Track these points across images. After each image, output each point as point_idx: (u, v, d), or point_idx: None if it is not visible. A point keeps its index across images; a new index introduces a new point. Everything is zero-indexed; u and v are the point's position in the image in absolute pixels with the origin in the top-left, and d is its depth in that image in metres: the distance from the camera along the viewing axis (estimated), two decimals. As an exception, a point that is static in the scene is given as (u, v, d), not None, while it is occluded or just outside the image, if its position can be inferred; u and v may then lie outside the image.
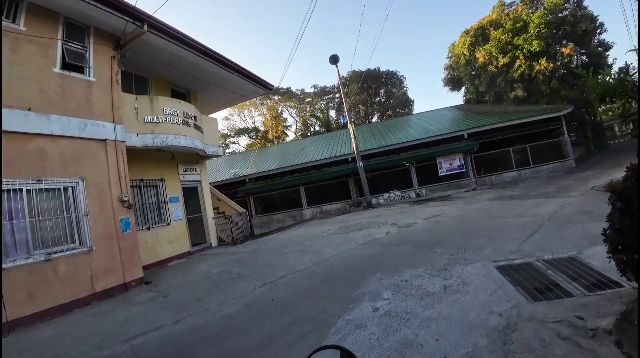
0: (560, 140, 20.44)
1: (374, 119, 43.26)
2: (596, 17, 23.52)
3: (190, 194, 13.17)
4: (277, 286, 6.46)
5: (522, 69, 22.11)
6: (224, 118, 52.48)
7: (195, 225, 13.11)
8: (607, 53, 24.29)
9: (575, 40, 22.00)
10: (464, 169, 18.88)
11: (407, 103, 44.57)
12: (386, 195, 19.34)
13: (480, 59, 25.08)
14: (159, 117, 10.46)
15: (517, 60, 22.48)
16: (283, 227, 17.91)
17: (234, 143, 52.64)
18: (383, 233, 10.00)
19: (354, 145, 18.40)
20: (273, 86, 15.22)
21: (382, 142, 21.83)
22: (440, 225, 10.00)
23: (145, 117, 10.21)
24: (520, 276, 4.87)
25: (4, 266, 6.07)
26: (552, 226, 7.71)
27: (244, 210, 15.78)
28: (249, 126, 50.96)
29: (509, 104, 23.72)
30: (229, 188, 22.25)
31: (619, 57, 26.22)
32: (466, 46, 27.35)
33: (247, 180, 22.37)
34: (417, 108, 56.38)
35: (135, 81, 11.64)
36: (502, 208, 11.33)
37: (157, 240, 11.07)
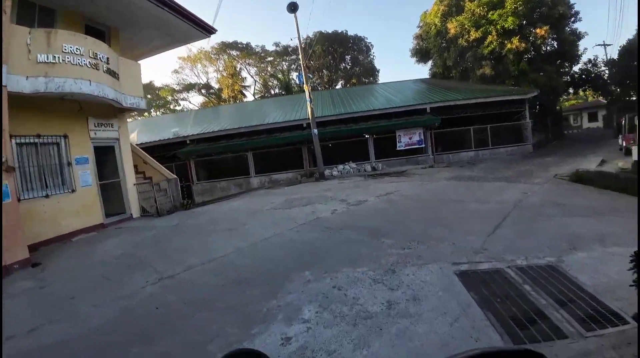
0: (521, 124, 20.04)
1: (338, 87, 41.11)
2: (573, 4, 22.91)
3: (106, 156, 10.78)
4: (175, 284, 4.81)
5: (493, 46, 21.05)
6: (173, 71, 47.60)
7: (112, 192, 10.85)
8: (578, 42, 24.10)
9: (550, 24, 21.17)
10: (423, 145, 17.89)
11: (373, 72, 42.73)
12: (341, 167, 17.97)
13: (452, 31, 23.68)
14: (57, 56, 7.93)
15: (489, 36, 21.35)
16: (225, 196, 16.03)
17: (183, 99, 48.28)
18: (329, 211, 8.59)
19: (309, 109, 16.54)
20: (215, 30, 12.68)
21: (341, 109, 20.14)
22: (393, 205, 8.77)
23: (39, 56, 7.69)
24: (490, 293, 3.61)
25: None
26: (520, 218, 6.69)
27: (174, 176, 13.63)
28: (202, 81, 46.68)
29: (475, 81, 22.87)
30: (168, 149, 19.57)
31: (589, 48, 26.16)
32: (439, 15, 25.74)
33: (188, 141, 19.81)
34: (383, 78, 54.69)
35: (40, 13, 8.94)
36: (462, 190, 10.38)
37: (58, 210, 8.81)
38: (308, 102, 16.46)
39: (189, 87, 46.36)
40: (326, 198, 10.64)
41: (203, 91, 46.88)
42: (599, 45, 27.40)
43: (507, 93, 19.04)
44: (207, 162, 20.18)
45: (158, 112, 45.94)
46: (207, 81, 46.57)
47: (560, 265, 4.27)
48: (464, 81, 24.24)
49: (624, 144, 14.31)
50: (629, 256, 3.03)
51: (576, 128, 36.73)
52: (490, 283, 3.87)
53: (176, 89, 45.93)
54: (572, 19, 22.98)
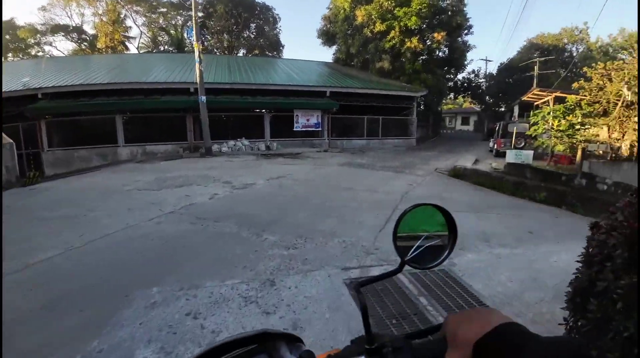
0: (408, 119, 21.53)
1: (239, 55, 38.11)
2: (469, 18, 25.29)
3: None
4: None
5: (394, 42, 21.89)
6: (40, 8, 37.13)
7: None
8: (466, 53, 26.97)
9: (447, 31, 23.03)
10: (320, 129, 17.61)
11: (277, 47, 40.85)
12: (232, 143, 16.33)
13: (359, 19, 23.80)
14: None
15: (393, 31, 22.11)
16: (83, 170, 12.82)
17: (47, 44, 38.30)
18: (208, 195, 7.22)
19: (197, 71, 14.30)
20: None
21: (237, 79, 18.24)
22: (283, 190, 7.92)
23: None
24: (385, 312, 3.01)
25: None
26: None
27: (10, 141, 10.16)
28: (75, 24, 37.64)
29: (374, 73, 23.65)
30: (14, 104, 14.48)
31: (474, 60, 29.57)
32: (348, 0, 25.62)
33: (40, 96, 15.18)
34: (287, 55, 53.27)
35: None
36: (353, 177, 10.20)
37: None
38: (197, 63, 14.18)
39: (58, 28, 36.83)
40: (208, 178, 9.13)
41: (73, 35, 37.85)
42: (481, 59, 31.63)
43: (401, 89, 20.11)
44: (64, 124, 15.69)
45: (16, 58, 35.42)
46: (81, 24, 37.75)
47: (453, 269, 4.02)
48: (364, 70, 24.84)
49: (496, 147, 16.49)
50: (520, 258, 2.75)
51: (450, 129, 42.35)
52: (384, 296, 3.29)
53: (40, 29, 35.93)
54: (466, 31, 25.57)
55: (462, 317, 0.55)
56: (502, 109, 29.79)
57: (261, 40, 39.35)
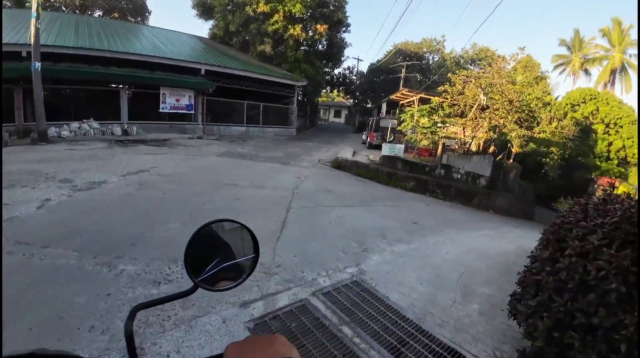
0: (289, 108, 21.12)
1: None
2: (348, 16, 25.92)
3: None
4: None
5: (278, 26, 20.79)
6: None
7: None
8: (344, 50, 27.82)
9: (329, 25, 23.07)
10: (193, 112, 15.37)
11: (143, 12, 34.48)
12: (76, 125, 12.65)
13: (242, -7, 21.79)
14: None
15: (276, 14, 20.95)
16: None
17: None
18: (37, 203, 4.93)
19: (32, 28, 10.31)
20: None
21: (87, 43, 14.19)
22: (147, 190, 6.15)
23: None
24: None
25: None
26: (302, 210, 6.03)
27: None
28: None
29: (254, 57, 22.18)
30: None
31: (350, 57, 30.69)
32: (232, -31, 23.19)
33: None
34: (153, 24, 45.87)
35: None
36: (235, 170, 9.06)
37: None
38: (33, 18, 10.21)
39: None
40: (38, 175, 6.48)
41: None
42: (354, 58, 33.45)
43: (283, 76, 19.39)
44: None
45: None
46: None
47: (364, 278, 3.79)
48: (244, 52, 23.11)
49: (369, 140, 17.47)
50: (418, 254, 3.08)
51: (324, 120, 44.21)
52: (300, 335, 2.52)
53: None
54: (344, 28, 26.27)
55: (244, 347, 0.51)
56: (371, 106, 32.55)
57: (123, 2, 32.63)
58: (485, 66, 26.34)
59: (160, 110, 14.24)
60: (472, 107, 13.08)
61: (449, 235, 6.29)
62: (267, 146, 15.31)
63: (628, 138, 18.32)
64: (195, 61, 15.75)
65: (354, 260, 4.18)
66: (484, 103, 12.92)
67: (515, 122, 12.59)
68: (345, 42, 26.35)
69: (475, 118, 12.91)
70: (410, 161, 13.02)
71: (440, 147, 13.57)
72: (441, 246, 5.48)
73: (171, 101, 14.20)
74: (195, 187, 6.63)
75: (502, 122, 12.26)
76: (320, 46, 24.14)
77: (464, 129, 13.54)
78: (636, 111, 9.64)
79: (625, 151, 18.34)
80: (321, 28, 21.19)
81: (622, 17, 25.40)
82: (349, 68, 35.86)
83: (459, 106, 13.06)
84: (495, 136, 12.57)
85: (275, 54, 22.02)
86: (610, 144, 18.72)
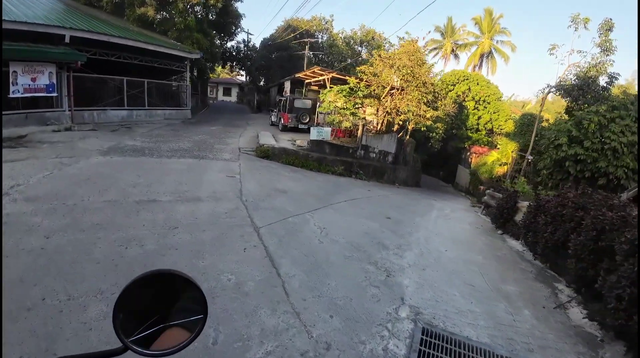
0: (180, 85, 17.88)
1: None
2: None
3: None
4: None
5: None
6: None
7: None
8: (240, 22, 24.73)
9: None
10: (56, 94, 11.03)
11: None
12: None
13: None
14: None
15: None
16: None
17: None
18: None
19: None
20: None
21: None
22: (8, 238, 3.51)
23: None
24: None
25: None
26: (275, 230, 4.60)
27: None
28: None
29: (131, 22, 17.56)
30: None
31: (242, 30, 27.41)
32: None
33: None
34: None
35: None
36: (140, 175, 6.54)
37: None
38: None
39: None
40: None
41: None
42: (245, 32, 30.18)
43: (173, 47, 15.94)
44: None
45: None
46: None
47: (425, 318, 2.74)
48: (118, 16, 18.17)
49: (282, 122, 15.95)
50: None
51: (212, 99, 39.95)
52: None
53: None
54: None
55: None
56: (268, 84, 30.56)
57: None
58: (376, 48, 27.63)
59: (11, 95, 9.55)
60: (385, 88, 13.15)
61: (422, 226, 6.04)
62: (164, 134, 12.47)
63: (494, 112, 21.54)
64: (57, 25, 11.29)
65: (392, 295, 3.20)
66: (398, 85, 13.10)
67: (425, 103, 13.17)
68: (238, 12, 23.53)
69: (387, 99, 13.09)
70: (337, 145, 12.39)
71: (360, 128, 13.32)
72: (432, 242, 5.18)
73: (25, 80, 9.67)
74: (94, 216, 4.21)
75: (414, 103, 12.63)
76: (211, 15, 20.73)
77: (377, 110, 13.62)
78: (636, 110, 10.80)
79: (491, 123, 21.53)
80: None
81: (493, 7, 29.63)
82: (243, 41, 32.64)
83: (373, 87, 13.00)
84: (400, 116, 13.07)
85: (160, 20, 17.99)
86: (479, 118, 21.73)
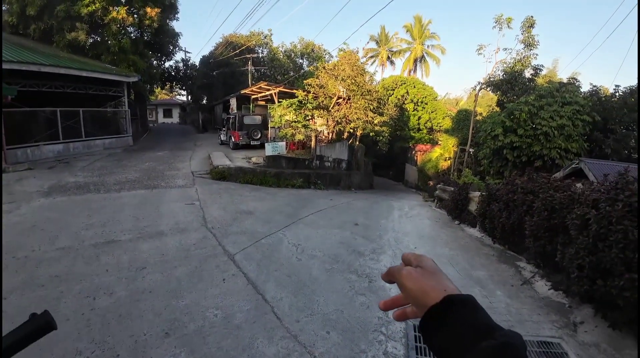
0: (119, 111, 16.82)
1: None
2: (177, 1, 21.59)
3: None
4: None
5: (94, 7, 15.24)
6: None
7: None
8: (177, 40, 23.76)
9: (160, 9, 18.62)
10: None
11: None
12: None
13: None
14: None
15: None
16: None
17: None
18: None
19: None
20: None
21: None
22: None
23: None
24: None
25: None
26: (251, 253, 4.45)
27: None
28: None
29: (62, 49, 16.08)
30: None
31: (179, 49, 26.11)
32: None
33: None
34: None
35: None
36: (91, 214, 6.05)
37: None
38: None
39: None
40: None
41: None
42: (182, 50, 28.96)
43: (108, 71, 14.95)
44: None
45: None
46: None
47: None
48: (46, 43, 16.54)
49: (233, 140, 15.60)
50: None
51: (152, 122, 37.93)
52: None
53: None
54: (174, 15, 22.08)
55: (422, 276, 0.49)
56: (212, 103, 29.73)
57: None
58: (317, 60, 28.31)
59: None
60: (332, 99, 13.57)
61: (389, 228, 6.30)
62: (107, 165, 11.62)
63: (432, 111, 23.01)
64: None
65: (379, 300, 3.20)
66: (344, 95, 13.57)
67: (372, 110, 13.78)
68: (175, 32, 22.74)
69: (336, 109, 13.50)
70: (293, 158, 12.45)
71: (313, 140, 13.54)
72: (401, 242, 5.43)
73: None
74: (50, 268, 3.80)
75: (361, 111, 13.15)
76: (147, 35, 19.73)
77: (327, 120, 13.97)
78: (562, 96, 11.73)
79: (431, 122, 22.97)
80: (152, 12, 17.05)
81: (422, 14, 31.66)
82: (182, 60, 31.43)
83: (320, 98, 13.35)
84: (350, 124, 13.54)
85: (92, 44, 16.69)
86: (419, 118, 23.11)
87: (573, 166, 8.26)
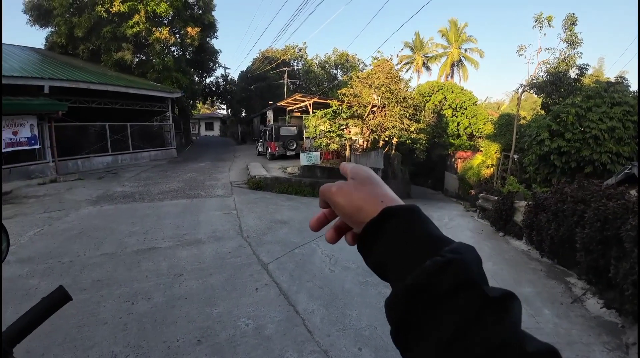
0: (164, 125, 17.86)
1: None
2: (216, 20, 23.04)
3: None
4: None
5: (139, 28, 16.69)
6: None
7: None
8: (217, 57, 25.07)
9: (200, 28, 19.92)
10: (38, 146, 10.80)
11: None
12: None
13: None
14: None
15: (137, 15, 16.75)
16: None
17: None
18: None
19: None
20: None
21: None
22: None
23: None
24: None
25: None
26: (285, 263, 4.42)
27: None
28: None
29: (109, 68, 17.61)
30: None
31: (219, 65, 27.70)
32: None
33: None
34: None
35: None
36: (135, 222, 6.39)
37: None
38: None
39: None
40: None
41: None
42: (222, 66, 30.59)
43: (154, 88, 16.03)
44: None
45: None
46: None
47: None
48: (95, 63, 18.18)
49: (270, 151, 15.98)
50: None
51: (195, 135, 39.97)
52: None
53: None
54: (212, 32, 23.37)
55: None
56: (250, 115, 30.79)
57: None
58: (351, 69, 28.41)
59: None
60: (366, 107, 13.47)
61: None
62: (152, 176, 12.30)
63: (472, 117, 22.07)
64: (35, 76, 11.19)
65: None
66: (379, 103, 13.44)
67: (407, 117, 13.48)
68: (214, 49, 23.96)
69: (370, 118, 13.37)
70: (327, 168, 12.45)
71: (348, 149, 13.50)
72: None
73: (6, 135, 9.46)
74: (93, 272, 4.03)
75: (396, 119, 12.91)
76: (188, 54, 21.02)
77: (362, 129, 13.88)
78: (635, 109, 11.15)
79: (471, 128, 22.03)
80: (193, 31, 18.21)
81: (457, 18, 30.98)
82: (222, 76, 33.04)
83: (355, 108, 13.32)
84: (385, 132, 13.32)
85: (138, 63, 18.08)
86: (458, 124, 22.24)
87: (626, 171, 7.51)
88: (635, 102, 10.77)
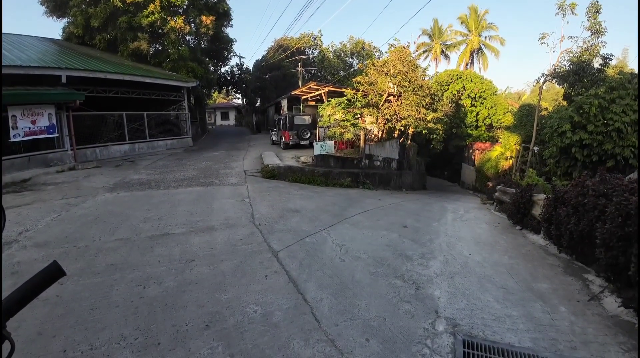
0: (180, 114, 18.05)
1: None
2: (230, 8, 22.99)
3: None
4: None
5: (154, 18, 16.86)
6: None
7: None
8: (232, 46, 25.06)
9: (215, 17, 19.96)
10: (56, 134, 11.12)
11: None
12: None
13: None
14: None
15: (152, 4, 16.97)
16: None
17: None
18: None
19: None
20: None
21: None
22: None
23: None
24: None
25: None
26: (295, 252, 4.42)
27: None
28: None
29: (126, 57, 17.90)
30: None
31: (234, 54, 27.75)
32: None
33: None
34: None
35: None
36: (149, 208, 6.51)
37: None
38: None
39: None
40: None
41: None
42: (237, 55, 30.70)
43: (169, 77, 16.18)
44: None
45: None
46: None
47: (463, 329, 2.43)
48: (111, 53, 18.49)
49: (284, 140, 15.98)
50: None
51: (211, 124, 40.39)
52: None
53: None
54: (227, 21, 23.35)
55: None
56: (264, 105, 30.80)
57: None
58: (367, 58, 27.93)
59: (12, 139, 9.66)
60: (382, 96, 13.21)
61: (441, 231, 5.93)
62: (168, 164, 12.50)
63: (491, 107, 21.39)
64: (54, 66, 11.47)
65: (425, 309, 3.07)
66: (395, 91, 13.16)
67: (424, 106, 13.17)
68: (229, 37, 23.93)
69: (386, 107, 13.12)
70: (341, 157, 12.37)
71: (362, 138, 13.33)
72: (454, 247, 5.01)
73: (25, 124, 9.79)
74: (107, 257, 4.12)
75: (413, 108, 12.62)
76: (203, 43, 21.06)
77: (377, 118, 13.65)
78: (635, 88, 10.75)
79: (490, 118, 21.38)
80: (207, 20, 18.21)
81: (478, 4, 30.00)
82: (237, 65, 33.09)
83: (370, 96, 13.07)
84: (401, 122, 13.03)
85: (154, 53, 18.28)
86: (477, 114, 21.60)
87: (649, 166, 7.15)
88: None
